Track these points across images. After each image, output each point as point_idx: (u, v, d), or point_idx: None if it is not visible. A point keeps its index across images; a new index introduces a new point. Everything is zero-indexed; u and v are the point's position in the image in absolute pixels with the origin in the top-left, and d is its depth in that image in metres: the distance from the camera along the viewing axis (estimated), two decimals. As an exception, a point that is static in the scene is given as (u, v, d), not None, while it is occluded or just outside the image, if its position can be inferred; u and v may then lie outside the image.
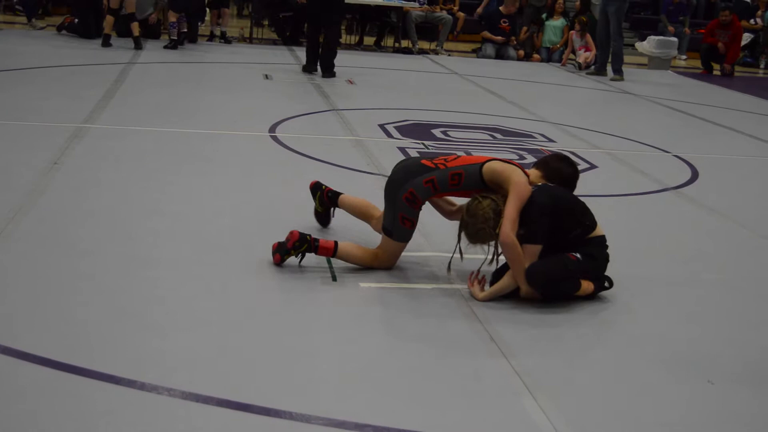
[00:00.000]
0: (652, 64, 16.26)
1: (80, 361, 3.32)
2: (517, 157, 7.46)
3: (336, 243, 4.50)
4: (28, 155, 6.19)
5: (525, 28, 16.20)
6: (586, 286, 4.36)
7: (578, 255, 4.33)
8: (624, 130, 9.20)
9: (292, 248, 4.44)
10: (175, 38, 12.99)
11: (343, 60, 12.91)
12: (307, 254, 4.46)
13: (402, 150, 7.32)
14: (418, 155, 4.52)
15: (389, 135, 8.00)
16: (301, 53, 13.83)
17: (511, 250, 4.20)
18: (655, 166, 7.65)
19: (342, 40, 15.35)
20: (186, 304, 3.96)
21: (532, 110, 10.05)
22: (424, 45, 16.03)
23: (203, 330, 3.71)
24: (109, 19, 12.58)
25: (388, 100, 10.06)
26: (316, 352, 3.62)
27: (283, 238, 4.50)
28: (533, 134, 8.51)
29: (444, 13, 15.88)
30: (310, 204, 5.16)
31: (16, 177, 5.64)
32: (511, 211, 4.21)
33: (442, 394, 3.37)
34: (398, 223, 4.47)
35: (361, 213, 4.95)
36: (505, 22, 15.69)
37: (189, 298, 4.02)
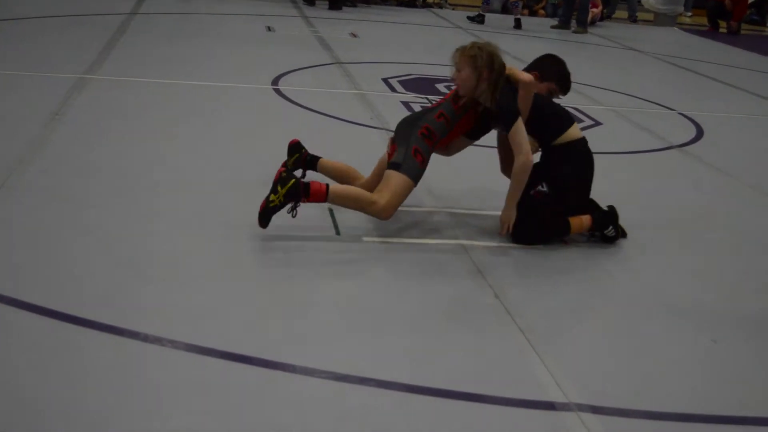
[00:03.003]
0: (657, 20, 16.12)
1: (83, 312, 3.31)
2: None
3: (327, 186, 4.24)
4: (29, 106, 6.14)
5: None
6: (578, 222, 4.43)
7: (544, 187, 4.39)
8: (629, 87, 9.14)
9: (278, 185, 4.12)
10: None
11: (346, 13, 12.81)
12: (305, 204, 4.30)
13: (405, 104, 7.27)
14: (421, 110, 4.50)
15: (393, 89, 7.94)
16: (303, 5, 13.73)
17: (523, 174, 4.30)
18: (659, 123, 7.60)
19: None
20: (187, 256, 3.95)
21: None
22: (428, -1, 15.90)
23: (205, 283, 3.70)
24: None
25: (391, 53, 9.97)
26: (319, 306, 3.62)
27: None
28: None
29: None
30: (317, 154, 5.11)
31: (17, 128, 5.60)
32: (519, 137, 4.28)
33: (445, 350, 3.37)
34: (410, 154, 4.31)
35: (342, 177, 4.71)
36: None
37: (190, 250, 4.01)
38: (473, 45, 4.40)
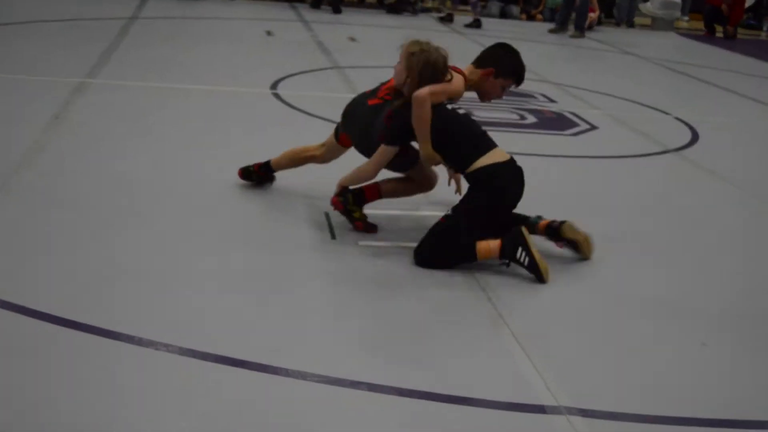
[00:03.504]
0: (655, 25, 16.16)
1: (79, 316, 3.35)
2: (518, 117, 7.46)
3: (377, 184, 4.56)
4: (29, 110, 6.19)
5: None
6: (485, 248, 4.12)
7: (450, 212, 4.25)
8: (625, 92, 9.18)
9: (346, 209, 4.48)
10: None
11: (344, 17, 12.85)
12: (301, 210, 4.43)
13: (403, 109, 7.31)
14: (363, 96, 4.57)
15: (390, 93, 7.97)
16: (303, 9, 13.78)
17: (417, 107, 4.19)
18: (656, 127, 7.64)
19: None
20: (184, 260, 3.98)
21: (533, 70, 9.96)
22: (427, 3, 15.93)
23: (200, 287, 3.74)
24: None
25: (389, 58, 9.95)
26: (313, 310, 3.65)
27: (283, 198, 4.51)
28: (534, 94, 8.49)
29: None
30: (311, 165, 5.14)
31: (17, 131, 5.65)
32: (437, 86, 4.24)
33: (437, 353, 3.41)
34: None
35: (299, 159, 4.93)
36: None
37: (187, 254, 4.05)
38: (417, 43, 4.35)
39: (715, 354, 3.61)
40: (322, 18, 13.06)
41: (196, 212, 4.57)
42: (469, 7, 14.71)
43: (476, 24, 13.77)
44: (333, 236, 4.43)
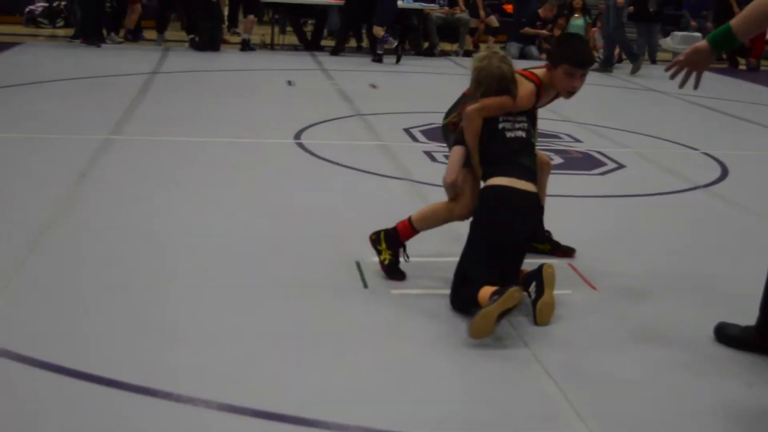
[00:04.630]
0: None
1: (115, 374, 3.31)
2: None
3: (409, 218, 4.46)
4: (55, 168, 6.21)
5: (557, 30, 16.12)
6: (483, 294, 3.84)
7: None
8: (651, 128, 9.12)
9: (376, 246, 4.47)
10: (381, 52, 13.69)
11: (364, 63, 12.91)
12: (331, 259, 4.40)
13: (428, 154, 7.30)
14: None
15: (415, 139, 7.97)
16: (323, 58, 13.87)
17: (466, 122, 4.24)
18: (683, 164, 7.58)
19: (363, 44, 15.37)
20: (216, 316, 3.94)
21: (556, 110, 9.95)
22: (446, 47, 16.01)
23: (235, 341, 3.69)
24: None
25: (412, 103, 10.02)
26: (350, 362, 3.60)
27: (313, 247, 4.48)
28: (559, 134, 8.45)
29: (465, 15, 15.81)
30: (339, 210, 5.12)
31: (45, 190, 5.66)
32: (489, 100, 4.22)
33: (477, 404, 3.34)
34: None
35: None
36: (540, 25, 15.69)
37: (219, 310, 4.00)
38: (483, 57, 4.34)
39: (761, 395, 3.52)
40: (341, 66, 13.13)
41: (226, 267, 4.53)
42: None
43: (378, 59, 13.70)
44: (365, 285, 4.37)
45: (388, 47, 13.78)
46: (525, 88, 4.35)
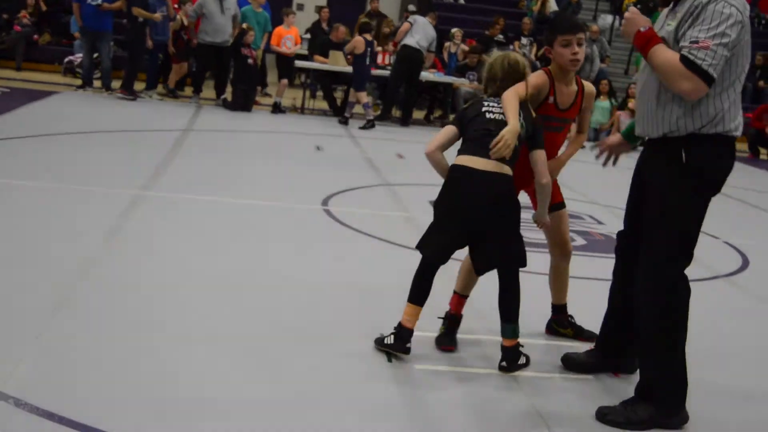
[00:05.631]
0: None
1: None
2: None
3: (454, 292, 4.76)
4: (87, 221, 6.34)
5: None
6: (405, 311, 4.48)
7: None
8: (673, 214, 9.17)
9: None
10: (371, 118, 13.97)
11: (392, 133, 13.07)
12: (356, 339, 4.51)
13: (452, 228, 7.38)
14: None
15: (439, 212, 8.06)
16: (351, 124, 14.06)
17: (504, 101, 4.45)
18: (705, 252, 7.60)
19: (393, 113, 15.59)
20: (240, 383, 3.97)
21: (579, 190, 10.08)
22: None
23: (258, 412, 3.72)
24: None
25: (437, 175, 10.11)
26: (371, 434, 3.64)
27: (338, 318, 4.54)
28: (581, 215, 8.54)
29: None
30: (364, 281, 5.19)
31: (75, 244, 5.77)
32: (517, 85, 4.49)
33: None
34: None
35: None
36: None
37: (242, 377, 4.04)
38: (496, 55, 4.62)
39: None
40: (368, 134, 13.30)
41: (251, 332, 4.60)
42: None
43: (371, 125, 13.92)
44: (389, 359, 4.42)
45: (370, 112, 14.14)
46: (535, 74, 4.59)
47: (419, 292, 4.44)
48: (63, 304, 4.67)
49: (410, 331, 4.41)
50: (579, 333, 4.98)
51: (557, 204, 4.82)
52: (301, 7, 19.87)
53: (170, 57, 15.19)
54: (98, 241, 5.87)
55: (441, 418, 3.86)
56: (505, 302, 4.40)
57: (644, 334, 3.98)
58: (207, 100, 14.95)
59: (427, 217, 7.75)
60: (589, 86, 4.80)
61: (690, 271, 6.83)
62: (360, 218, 7.37)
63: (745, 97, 20.27)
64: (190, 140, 10.70)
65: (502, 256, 4.37)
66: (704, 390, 4.40)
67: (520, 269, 4.42)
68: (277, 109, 14.59)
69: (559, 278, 4.96)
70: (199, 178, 8.40)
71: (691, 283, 6.52)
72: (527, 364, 4.45)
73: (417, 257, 6.39)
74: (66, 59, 16.88)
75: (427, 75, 15.32)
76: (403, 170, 10.35)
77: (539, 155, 4.40)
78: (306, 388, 4.00)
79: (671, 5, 3.97)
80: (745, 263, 7.34)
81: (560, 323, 5.00)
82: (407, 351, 4.39)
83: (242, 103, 14.21)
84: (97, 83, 14.71)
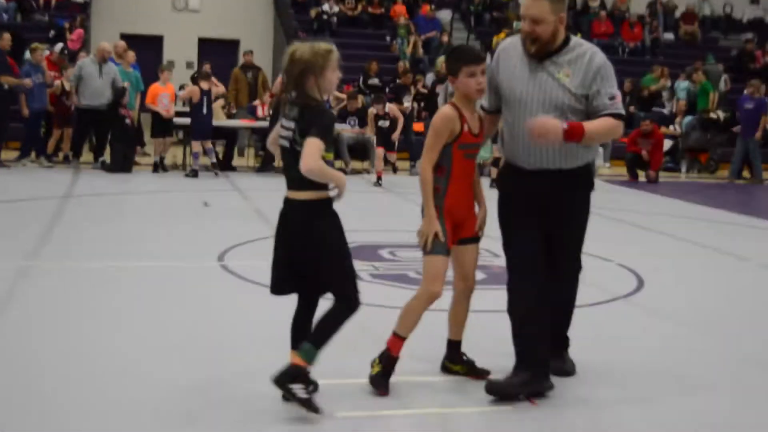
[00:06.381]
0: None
1: None
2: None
3: (393, 332, 4.62)
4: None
5: None
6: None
7: None
8: (565, 241, 9.33)
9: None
10: (197, 168, 13.97)
11: (277, 183, 12.99)
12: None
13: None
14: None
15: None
16: (236, 178, 13.91)
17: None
18: (599, 275, 7.75)
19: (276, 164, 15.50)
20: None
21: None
22: (357, 165, 16.25)
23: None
24: None
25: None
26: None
27: (251, 380, 4.40)
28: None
29: (373, 135, 16.07)
30: (273, 338, 5.03)
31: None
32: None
33: None
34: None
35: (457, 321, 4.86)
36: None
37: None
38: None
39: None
40: (255, 185, 13.18)
41: (153, 404, 4.37)
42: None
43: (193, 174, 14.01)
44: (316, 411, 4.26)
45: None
46: (441, 114, 4.61)
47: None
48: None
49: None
50: (471, 370, 4.86)
51: (473, 237, 4.79)
52: (171, 63, 19.66)
53: (52, 123, 14.76)
54: (-14, 318, 5.58)
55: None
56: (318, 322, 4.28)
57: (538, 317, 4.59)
58: (85, 164, 14.57)
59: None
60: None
61: (588, 295, 6.98)
62: (259, 271, 7.21)
63: (617, 123, 20.93)
64: (72, 207, 10.38)
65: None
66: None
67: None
68: (158, 167, 14.32)
69: (460, 313, 4.86)
70: (86, 245, 8.13)
71: (591, 307, 6.67)
72: (299, 400, 4.11)
73: (322, 305, 6.30)
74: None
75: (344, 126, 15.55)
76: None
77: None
78: None
79: (541, 56, 4.55)
80: (641, 283, 7.48)
81: (454, 360, 4.91)
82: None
83: (122, 164, 13.90)
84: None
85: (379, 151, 14.84)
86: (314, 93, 4.23)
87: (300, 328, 4.39)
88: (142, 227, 9.26)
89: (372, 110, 15.61)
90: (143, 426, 4.05)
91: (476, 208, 4.82)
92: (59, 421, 4.06)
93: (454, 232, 4.70)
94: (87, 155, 14.88)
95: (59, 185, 12.07)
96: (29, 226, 8.78)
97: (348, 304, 4.24)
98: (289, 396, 4.12)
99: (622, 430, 4.30)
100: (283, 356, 4.82)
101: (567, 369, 4.96)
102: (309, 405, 4.11)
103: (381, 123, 15.36)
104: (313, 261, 4.23)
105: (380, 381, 4.56)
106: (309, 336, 4.24)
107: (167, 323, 5.71)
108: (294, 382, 4.12)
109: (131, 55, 16.10)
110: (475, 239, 4.82)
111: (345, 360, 4.80)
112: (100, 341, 5.25)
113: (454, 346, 4.91)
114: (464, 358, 4.91)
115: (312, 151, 4.11)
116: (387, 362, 4.60)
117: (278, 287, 4.42)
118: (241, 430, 4.05)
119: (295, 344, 4.30)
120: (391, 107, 15.55)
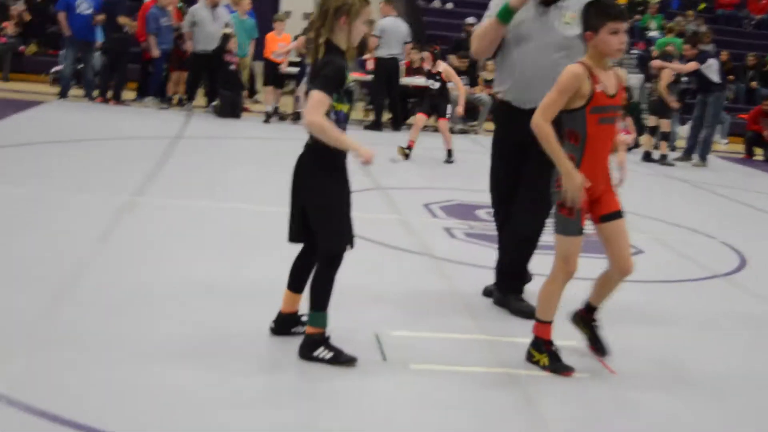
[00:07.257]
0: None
1: None
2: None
3: (536, 318, 4.46)
4: (76, 227, 6.28)
5: None
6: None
7: None
8: (669, 215, 9.14)
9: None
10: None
11: (385, 138, 13.02)
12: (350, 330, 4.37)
13: (447, 230, 7.32)
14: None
15: (434, 215, 8.01)
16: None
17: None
18: (702, 252, 7.57)
19: (383, 119, 15.53)
20: (232, 387, 3.88)
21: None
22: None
23: (253, 413, 3.66)
24: None
25: (431, 179, 10.09)
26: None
27: (332, 319, 4.48)
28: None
29: (484, 94, 15.96)
30: (359, 283, 5.08)
31: (69, 248, 5.69)
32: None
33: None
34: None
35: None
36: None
37: (235, 384, 3.94)
38: None
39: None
40: (363, 138, 13.21)
41: (240, 334, 4.50)
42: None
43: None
44: (384, 358, 4.35)
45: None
46: (567, 72, 4.24)
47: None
48: (55, 304, 4.60)
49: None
50: (593, 340, 4.68)
51: (615, 212, 4.44)
52: (288, 14, 19.79)
53: (171, 66, 15.13)
54: (91, 245, 5.79)
55: (441, 417, 3.79)
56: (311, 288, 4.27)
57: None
58: (198, 107, 14.88)
59: (420, 221, 7.74)
60: (620, 71, 4.51)
61: (687, 271, 6.83)
62: (357, 223, 7.26)
63: (738, 98, 20.33)
64: (182, 147, 10.63)
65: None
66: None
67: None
68: (271, 116, 14.49)
69: (608, 285, 4.60)
70: (192, 185, 8.34)
71: (689, 283, 6.52)
72: (329, 361, 4.16)
73: (414, 261, 6.34)
74: (53, 69, 16.80)
75: (410, 80, 15.34)
76: (397, 175, 10.27)
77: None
78: (302, 388, 3.95)
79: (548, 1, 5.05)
80: (743, 263, 7.27)
81: (585, 321, 4.71)
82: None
83: (230, 109, 14.15)
84: (78, 92, 14.67)
85: (420, 119, 12.07)
86: (340, 36, 4.18)
87: (295, 270, 4.47)
88: (244, 171, 9.42)
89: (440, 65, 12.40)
90: (233, 360, 4.16)
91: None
92: (152, 350, 4.20)
93: (591, 209, 4.35)
94: (201, 99, 15.17)
95: (172, 126, 12.36)
96: (139, 163, 9.03)
97: (329, 260, 4.22)
98: (318, 362, 4.16)
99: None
100: (363, 309, 4.87)
101: (523, 308, 5.12)
102: (338, 361, 4.17)
103: (430, 83, 12.19)
104: (308, 208, 4.28)
105: (558, 366, 4.35)
106: (309, 302, 4.24)
107: (258, 262, 5.83)
108: (315, 349, 4.18)
109: (247, 2, 16.27)
110: (619, 214, 4.43)
111: (428, 317, 4.81)
112: (194, 277, 5.38)
113: (590, 309, 4.67)
114: (594, 324, 4.68)
115: (312, 103, 4.04)
116: (546, 348, 4.38)
117: (290, 234, 4.45)
118: (322, 379, 4.12)
119: (290, 284, 4.44)
120: (446, 67, 12.42)
